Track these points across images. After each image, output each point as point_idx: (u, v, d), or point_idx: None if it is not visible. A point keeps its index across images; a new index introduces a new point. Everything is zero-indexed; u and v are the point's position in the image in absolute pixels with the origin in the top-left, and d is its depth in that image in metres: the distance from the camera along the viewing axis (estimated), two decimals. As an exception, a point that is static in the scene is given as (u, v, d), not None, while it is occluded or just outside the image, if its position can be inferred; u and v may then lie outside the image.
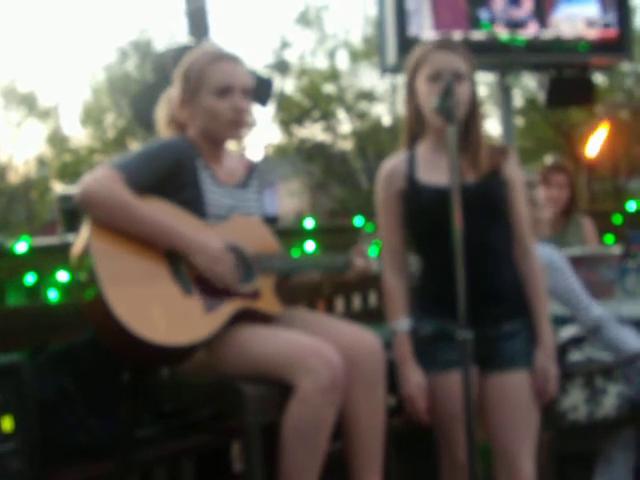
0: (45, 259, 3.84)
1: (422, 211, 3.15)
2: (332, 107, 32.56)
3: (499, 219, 3.17)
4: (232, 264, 2.94)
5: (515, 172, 3.21)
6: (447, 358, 3.08)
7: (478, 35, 7.43)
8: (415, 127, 3.24)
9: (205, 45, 3.17)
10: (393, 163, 3.25)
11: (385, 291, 3.24)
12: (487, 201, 3.13)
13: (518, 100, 26.60)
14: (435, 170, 3.15)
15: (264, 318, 3.01)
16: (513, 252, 3.21)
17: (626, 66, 22.10)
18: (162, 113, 3.27)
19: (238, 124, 3.09)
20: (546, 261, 3.76)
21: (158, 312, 2.76)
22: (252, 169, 3.30)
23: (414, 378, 3.11)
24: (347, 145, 33.57)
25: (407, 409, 3.13)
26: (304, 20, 32.39)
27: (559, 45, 7.58)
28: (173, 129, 3.19)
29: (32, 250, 3.78)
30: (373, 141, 30.87)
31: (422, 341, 3.16)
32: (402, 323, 3.17)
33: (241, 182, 3.22)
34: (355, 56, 31.88)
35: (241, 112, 3.06)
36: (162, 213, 2.89)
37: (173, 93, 3.18)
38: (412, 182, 3.17)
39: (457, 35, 7.32)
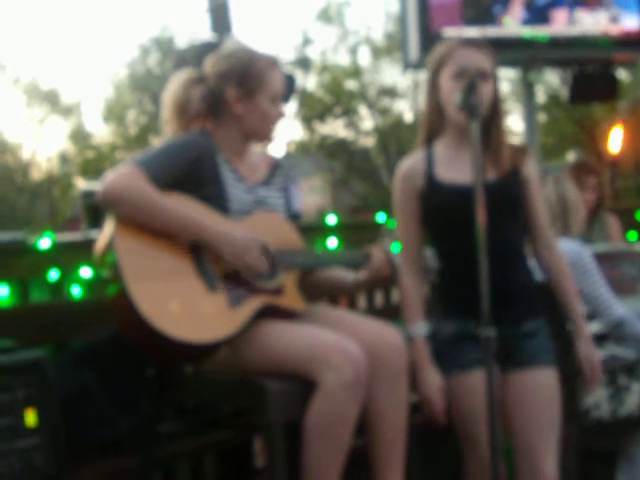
0: (68, 255, 3.84)
1: (442, 209, 3.14)
2: (354, 103, 32.55)
3: (517, 217, 3.18)
4: (259, 253, 2.95)
5: (533, 170, 3.23)
6: (469, 358, 3.08)
7: (500, 31, 7.39)
8: (435, 124, 3.23)
9: (246, 46, 3.17)
10: (411, 162, 3.24)
11: (401, 291, 3.24)
12: (507, 199, 3.13)
13: (541, 96, 26.52)
14: (455, 168, 3.14)
15: (287, 314, 3.02)
16: (535, 248, 3.22)
17: (649, 62, 21.95)
18: (175, 94, 3.19)
19: (276, 129, 3.18)
20: (573, 258, 3.75)
21: (182, 308, 2.77)
22: (275, 166, 3.31)
23: (432, 380, 3.11)
24: (369, 141, 33.55)
25: (425, 410, 3.12)
26: (325, 16, 32.37)
27: (582, 41, 7.53)
28: (181, 114, 3.16)
29: (56, 246, 3.79)
30: (395, 137, 30.84)
31: (444, 341, 3.15)
32: (419, 327, 3.16)
33: (264, 179, 3.23)
34: (377, 52, 31.85)
35: (282, 118, 3.18)
36: (186, 207, 2.90)
37: (190, 75, 3.17)
38: (431, 180, 3.16)
39: (477, 31, 7.26)
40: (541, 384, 3.11)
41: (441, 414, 3.10)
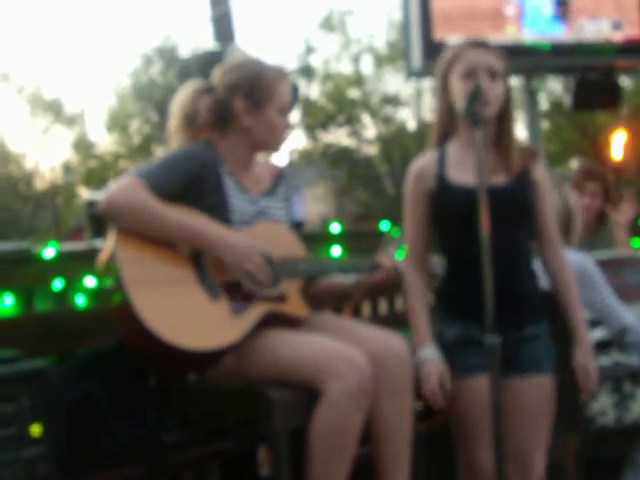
0: (73, 265, 3.85)
1: (451, 211, 3.12)
2: (357, 112, 32.53)
3: (525, 221, 3.16)
4: (260, 260, 2.95)
5: (543, 174, 3.20)
6: (472, 362, 3.07)
7: (503, 39, 7.39)
8: (447, 125, 3.21)
9: (254, 57, 3.18)
10: (423, 162, 3.22)
11: (406, 289, 3.21)
12: (517, 202, 3.12)
13: (544, 103, 26.49)
14: (466, 170, 3.10)
15: (291, 321, 3.02)
16: (541, 252, 3.20)
17: (652, 69, 21.92)
18: (182, 105, 3.21)
19: (284, 140, 3.20)
20: (579, 269, 3.72)
21: (185, 317, 2.77)
22: (279, 176, 3.31)
23: (430, 355, 3.06)
24: (372, 150, 33.52)
25: (423, 389, 3.05)
26: (328, 25, 32.36)
27: (584, 48, 7.53)
28: (189, 125, 3.17)
29: (60, 256, 3.79)
30: (398, 146, 30.79)
31: (447, 345, 3.14)
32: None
33: (268, 190, 3.24)
34: (380, 60, 31.82)
35: (290, 130, 3.19)
36: (187, 217, 2.90)
37: (197, 86, 3.18)
38: (442, 181, 3.14)
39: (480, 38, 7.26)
40: (538, 391, 3.11)
41: (439, 394, 3.04)
